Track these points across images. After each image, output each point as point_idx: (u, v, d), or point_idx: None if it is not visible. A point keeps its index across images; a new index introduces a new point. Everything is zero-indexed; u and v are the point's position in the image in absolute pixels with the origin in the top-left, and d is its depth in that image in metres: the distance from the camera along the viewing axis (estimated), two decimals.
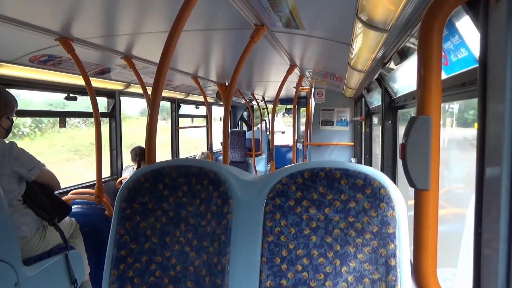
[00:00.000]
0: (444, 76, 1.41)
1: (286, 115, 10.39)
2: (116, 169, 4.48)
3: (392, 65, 2.20)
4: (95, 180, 3.01)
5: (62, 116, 3.57)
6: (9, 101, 2.16)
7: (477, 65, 0.87)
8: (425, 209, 0.86)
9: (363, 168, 1.21)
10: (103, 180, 3.03)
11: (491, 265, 0.82)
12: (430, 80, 0.83)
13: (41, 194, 2.23)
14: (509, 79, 0.73)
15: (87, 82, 2.73)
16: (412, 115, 0.94)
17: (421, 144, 0.84)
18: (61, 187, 2.72)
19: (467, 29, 1.06)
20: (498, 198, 0.77)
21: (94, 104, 2.85)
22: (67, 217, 2.42)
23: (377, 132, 4.06)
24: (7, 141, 2.12)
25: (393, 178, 2.88)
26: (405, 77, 2.27)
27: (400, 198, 1.16)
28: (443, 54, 1.32)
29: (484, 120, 0.83)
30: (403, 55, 1.90)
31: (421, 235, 0.87)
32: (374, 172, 1.19)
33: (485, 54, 0.82)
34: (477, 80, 0.85)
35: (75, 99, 3.46)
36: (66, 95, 3.43)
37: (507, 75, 0.73)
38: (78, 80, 3.07)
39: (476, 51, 1.06)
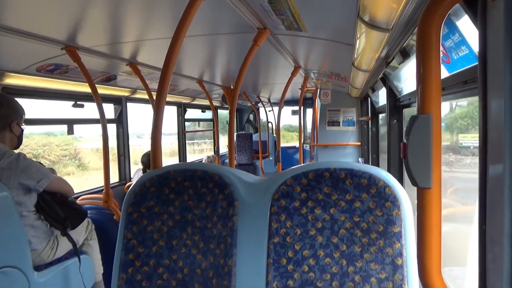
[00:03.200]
0: (446, 74, 1.40)
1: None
2: (124, 174, 4.52)
3: (395, 64, 2.20)
4: (103, 186, 3.04)
5: (70, 124, 3.61)
6: (17, 107, 2.17)
7: (477, 62, 0.87)
8: (428, 207, 0.86)
9: (368, 167, 1.21)
10: (111, 185, 3.06)
11: (496, 262, 0.82)
12: (430, 78, 0.84)
13: (54, 203, 2.23)
14: (508, 75, 0.73)
15: (93, 89, 2.77)
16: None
17: (422, 143, 0.84)
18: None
19: (468, 27, 1.06)
20: (502, 195, 0.77)
21: (101, 111, 2.88)
22: None
23: (383, 131, 4.05)
24: (16, 151, 2.13)
25: (400, 177, 2.87)
26: (408, 76, 2.27)
27: (405, 196, 1.16)
28: (444, 52, 1.32)
29: (486, 117, 0.83)
30: (405, 53, 1.90)
31: (425, 234, 0.88)
32: (379, 171, 1.19)
33: (485, 52, 0.82)
34: (478, 77, 0.85)
35: (82, 106, 3.50)
36: (73, 103, 3.47)
37: (506, 72, 0.73)
38: (85, 88, 3.10)
39: (476, 49, 1.06)
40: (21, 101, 2.28)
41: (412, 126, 0.85)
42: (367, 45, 2.04)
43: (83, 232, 2.52)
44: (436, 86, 0.84)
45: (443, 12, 0.82)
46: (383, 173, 1.19)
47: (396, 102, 2.85)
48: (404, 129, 2.92)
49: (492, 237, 0.84)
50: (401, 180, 2.80)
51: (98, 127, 3.02)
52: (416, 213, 0.93)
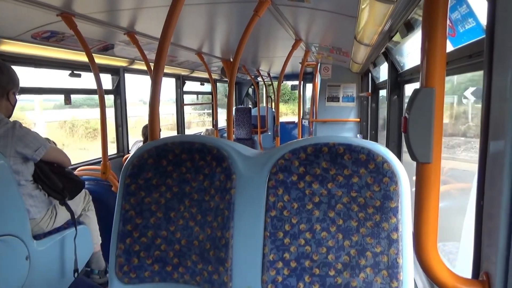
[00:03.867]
0: (451, 48, 1.37)
1: (289, 99, 10.34)
2: (123, 146, 4.51)
3: (398, 38, 2.15)
4: (101, 157, 3.04)
5: (67, 93, 3.57)
6: (15, 76, 2.14)
7: (484, 35, 0.84)
8: (426, 182, 0.86)
9: (367, 143, 1.20)
10: (109, 156, 3.05)
11: (492, 238, 0.82)
12: (435, 51, 0.81)
13: (51, 173, 2.22)
14: None
15: (91, 59, 2.72)
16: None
17: (424, 117, 0.83)
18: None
19: None
20: (501, 171, 0.77)
21: (98, 81, 2.84)
22: None
23: (383, 107, 4.02)
24: (11, 120, 2.11)
25: (398, 153, 2.87)
26: (412, 51, 2.23)
27: (403, 172, 1.16)
28: (450, 25, 1.28)
29: (490, 92, 0.82)
30: (410, 27, 1.86)
31: (422, 209, 0.87)
32: (378, 147, 1.18)
33: (493, 23, 0.80)
34: (484, 50, 0.83)
35: (79, 76, 3.45)
36: (70, 72, 3.42)
37: None
38: (82, 57, 3.05)
39: (484, 21, 1.03)
40: (16, 68, 2.24)
41: (415, 99, 0.83)
42: (371, 18, 1.99)
43: (81, 203, 2.54)
44: (441, 60, 0.81)
45: None
46: (381, 149, 1.18)
47: (397, 78, 2.82)
48: (405, 105, 2.90)
49: (489, 212, 0.84)
50: (399, 156, 2.80)
51: None
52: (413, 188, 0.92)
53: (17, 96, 2.19)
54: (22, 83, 2.26)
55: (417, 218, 0.89)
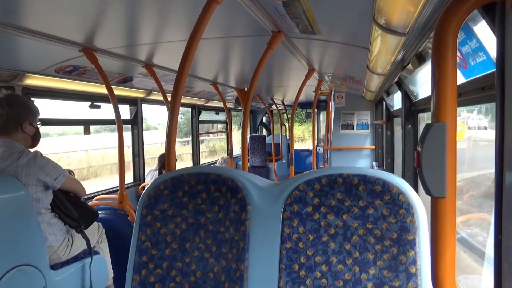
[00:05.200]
0: (463, 80, 1.38)
1: (306, 119, 10.36)
2: (139, 175, 4.57)
3: (411, 67, 2.17)
4: (118, 186, 3.08)
5: (86, 124, 3.67)
6: (28, 106, 2.20)
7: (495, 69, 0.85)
8: (442, 216, 0.85)
9: (382, 174, 1.20)
10: (126, 186, 3.09)
11: None
12: (445, 86, 0.82)
13: (68, 202, 2.29)
14: None
15: (110, 90, 2.81)
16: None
17: (437, 152, 0.83)
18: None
19: (485, 32, 1.04)
20: None
21: (117, 112, 2.93)
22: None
23: (398, 135, 4.00)
24: (32, 150, 2.18)
25: (415, 183, 2.83)
26: (425, 80, 2.24)
27: (420, 204, 1.15)
28: (461, 57, 1.30)
29: (503, 124, 0.82)
30: (421, 58, 1.88)
31: (439, 243, 0.86)
32: (393, 177, 1.18)
33: (503, 58, 0.81)
34: (495, 83, 0.84)
35: (98, 107, 3.56)
36: (90, 103, 3.53)
37: None
38: (101, 89, 3.16)
39: (494, 55, 1.04)
40: (40, 101, 2.32)
41: (427, 134, 0.83)
42: (383, 49, 2.02)
43: (95, 234, 2.56)
44: (451, 94, 0.82)
45: (461, 18, 0.80)
46: (397, 180, 1.18)
47: (411, 107, 2.82)
48: (419, 134, 2.89)
49: (508, 246, 0.82)
50: (415, 186, 2.76)
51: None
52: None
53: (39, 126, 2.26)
54: (45, 115, 2.33)
55: (434, 253, 0.87)
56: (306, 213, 1.23)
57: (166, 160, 1.63)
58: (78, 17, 1.91)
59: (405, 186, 1.17)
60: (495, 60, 0.89)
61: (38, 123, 2.26)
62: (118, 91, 3.67)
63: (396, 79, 2.81)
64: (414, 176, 2.85)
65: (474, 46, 1.15)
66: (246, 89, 5.29)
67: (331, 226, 1.20)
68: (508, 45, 0.79)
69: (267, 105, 7.70)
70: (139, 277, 1.33)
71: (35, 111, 2.23)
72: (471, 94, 1.40)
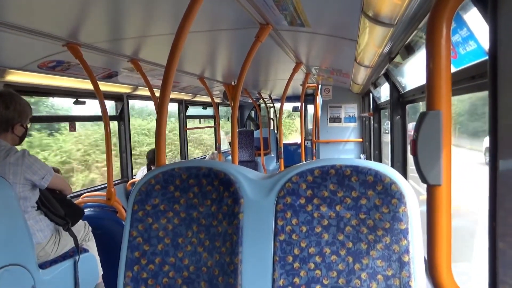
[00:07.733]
0: (453, 69, 1.39)
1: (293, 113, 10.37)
2: (127, 172, 4.52)
3: (399, 59, 2.18)
4: (106, 183, 3.04)
5: (72, 121, 3.60)
6: (23, 109, 2.18)
7: (487, 57, 0.86)
8: (438, 205, 0.86)
9: (374, 164, 1.20)
10: (114, 182, 3.05)
11: (506, 259, 0.81)
12: (440, 74, 0.82)
13: (54, 200, 2.27)
14: None
15: (96, 86, 2.76)
16: (422, 109, 0.93)
17: (432, 140, 0.83)
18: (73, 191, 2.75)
19: (475, 21, 1.05)
20: None
21: (103, 108, 2.88)
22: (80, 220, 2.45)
23: (385, 127, 4.04)
24: (19, 148, 2.15)
25: (404, 174, 2.86)
26: (413, 72, 2.25)
27: (411, 193, 1.16)
28: (451, 47, 1.31)
29: (496, 112, 0.82)
30: (410, 49, 1.89)
31: (435, 231, 0.87)
32: (385, 168, 1.18)
33: (495, 47, 0.81)
34: (487, 72, 0.84)
35: (83, 103, 3.50)
36: (75, 100, 3.46)
37: None
38: (87, 85, 3.10)
39: (485, 44, 1.05)
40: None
41: (422, 122, 0.83)
42: (370, 41, 2.03)
43: (81, 231, 2.53)
44: (446, 82, 0.82)
45: (454, 7, 0.80)
46: (389, 170, 1.18)
47: (399, 98, 2.84)
48: (408, 125, 2.91)
49: (502, 233, 0.83)
50: (405, 177, 2.79)
51: None
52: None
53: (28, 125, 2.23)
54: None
55: (430, 241, 0.88)
56: (299, 205, 1.22)
57: (157, 154, 1.61)
58: (60, 10, 1.86)
59: (397, 176, 1.17)
60: (486, 49, 0.90)
61: (28, 123, 2.23)
62: (104, 86, 3.60)
63: (384, 71, 2.83)
64: (403, 166, 2.88)
65: (464, 35, 1.16)
66: (233, 84, 5.26)
67: (324, 218, 1.20)
68: (500, 33, 0.80)
69: (254, 99, 7.69)
70: (131, 273, 1.31)
71: (28, 113, 2.22)
72: (462, 83, 1.41)
